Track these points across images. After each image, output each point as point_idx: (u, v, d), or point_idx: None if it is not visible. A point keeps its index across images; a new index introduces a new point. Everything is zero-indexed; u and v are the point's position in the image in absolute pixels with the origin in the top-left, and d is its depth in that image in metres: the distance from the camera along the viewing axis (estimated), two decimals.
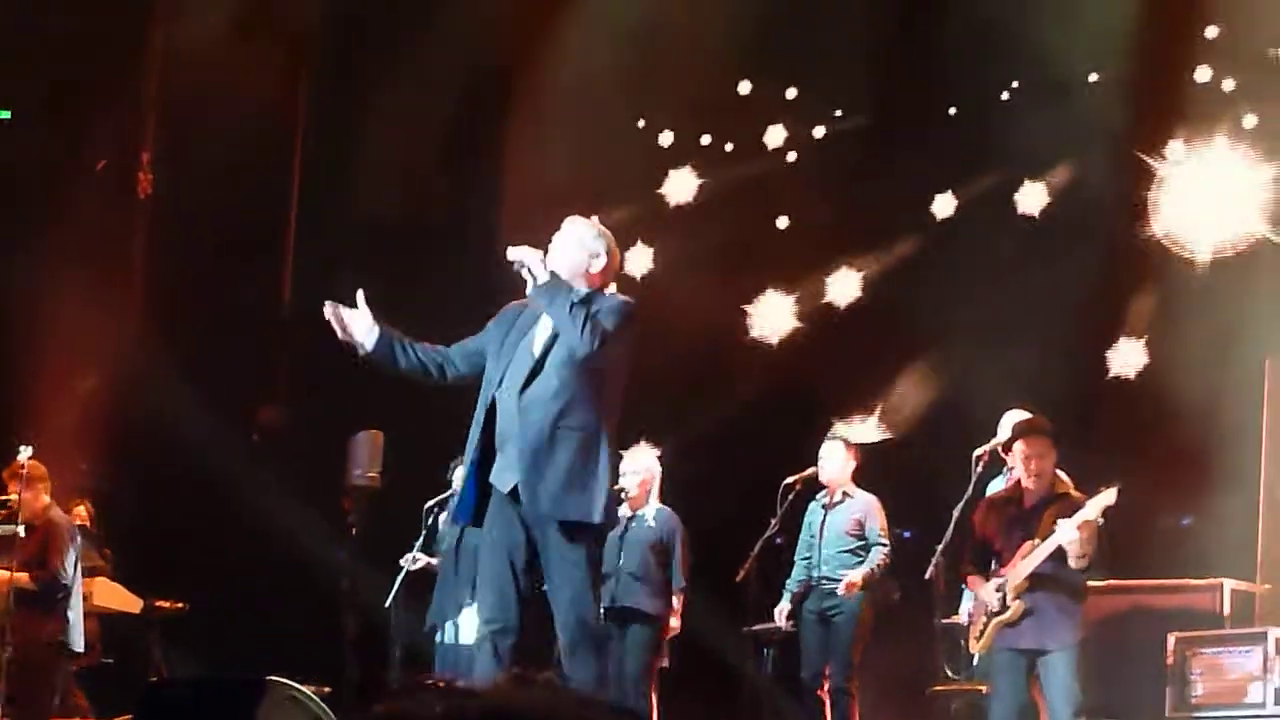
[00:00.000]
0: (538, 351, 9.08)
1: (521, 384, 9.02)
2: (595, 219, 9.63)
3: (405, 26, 17.22)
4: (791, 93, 17.88)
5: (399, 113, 17.38)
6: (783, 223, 17.65)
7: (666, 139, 18.27)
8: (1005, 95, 16.67)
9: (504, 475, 9.00)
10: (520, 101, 17.68)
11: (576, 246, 9.28)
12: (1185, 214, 15.50)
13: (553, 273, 8.93)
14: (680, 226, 17.83)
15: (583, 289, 9.05)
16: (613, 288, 9.46)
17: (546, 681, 2.16)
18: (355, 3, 17.93)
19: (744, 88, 17.99)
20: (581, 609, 8.93)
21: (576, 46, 16.74)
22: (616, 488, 10.49)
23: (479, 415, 9.15)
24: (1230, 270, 15.12)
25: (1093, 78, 16.29)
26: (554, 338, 9.03)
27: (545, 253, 9.06)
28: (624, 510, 13.48)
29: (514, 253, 8.97)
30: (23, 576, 13.47)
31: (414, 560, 14.33)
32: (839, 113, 17.76)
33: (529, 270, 8.89)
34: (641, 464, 13.89)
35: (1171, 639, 12.44)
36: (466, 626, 14.02)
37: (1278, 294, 13.88)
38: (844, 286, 17.49)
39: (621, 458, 10.54)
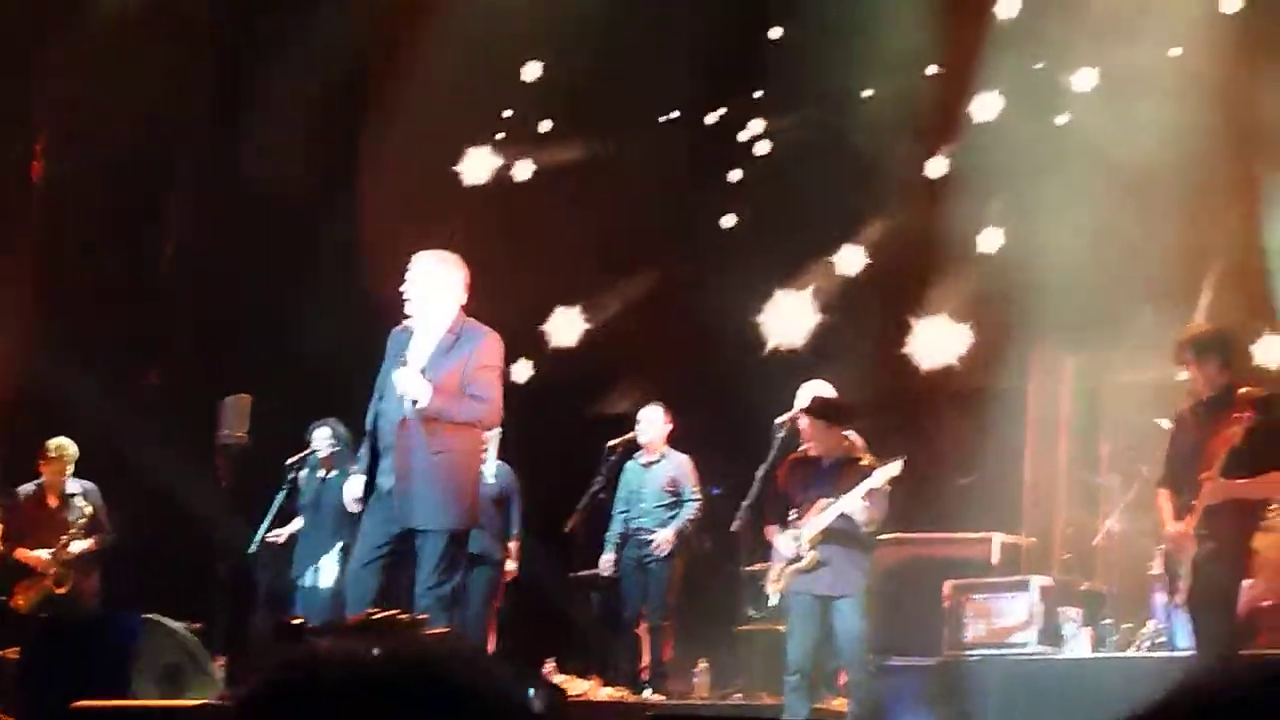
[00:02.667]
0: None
1: (397, 420, 9.74)
2: (447, 253, 10.16)
3: (289, 13, 17.01)
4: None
5: (278, 96, 17.24)
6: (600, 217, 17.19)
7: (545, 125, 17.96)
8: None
9: (384, 478, 9.80)
10: (387, 92, 17.54)
11: (445, 289, 9.94)
12: None
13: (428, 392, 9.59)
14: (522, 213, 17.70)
15: (438, 326, 9.83)
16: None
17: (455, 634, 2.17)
18: None
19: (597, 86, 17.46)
20: (444, 591, 9.77)
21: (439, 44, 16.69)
22: None
23: (367, 425, 9.98)
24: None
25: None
26: (425, 369, 9.73)
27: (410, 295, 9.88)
28: None
29: (407, 390, 9.64)
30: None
31: (277, 535, 14.56)
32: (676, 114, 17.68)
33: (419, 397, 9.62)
34: None
35: (948, 586, 12.65)
36: (326, 573, 14.28)
37: (1043, 282, 14.13)
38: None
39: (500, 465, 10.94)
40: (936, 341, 15.24)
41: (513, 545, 13.98)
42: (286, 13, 16.96)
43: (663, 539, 14.12)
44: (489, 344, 9.95)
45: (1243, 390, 9.74)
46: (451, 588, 9.88)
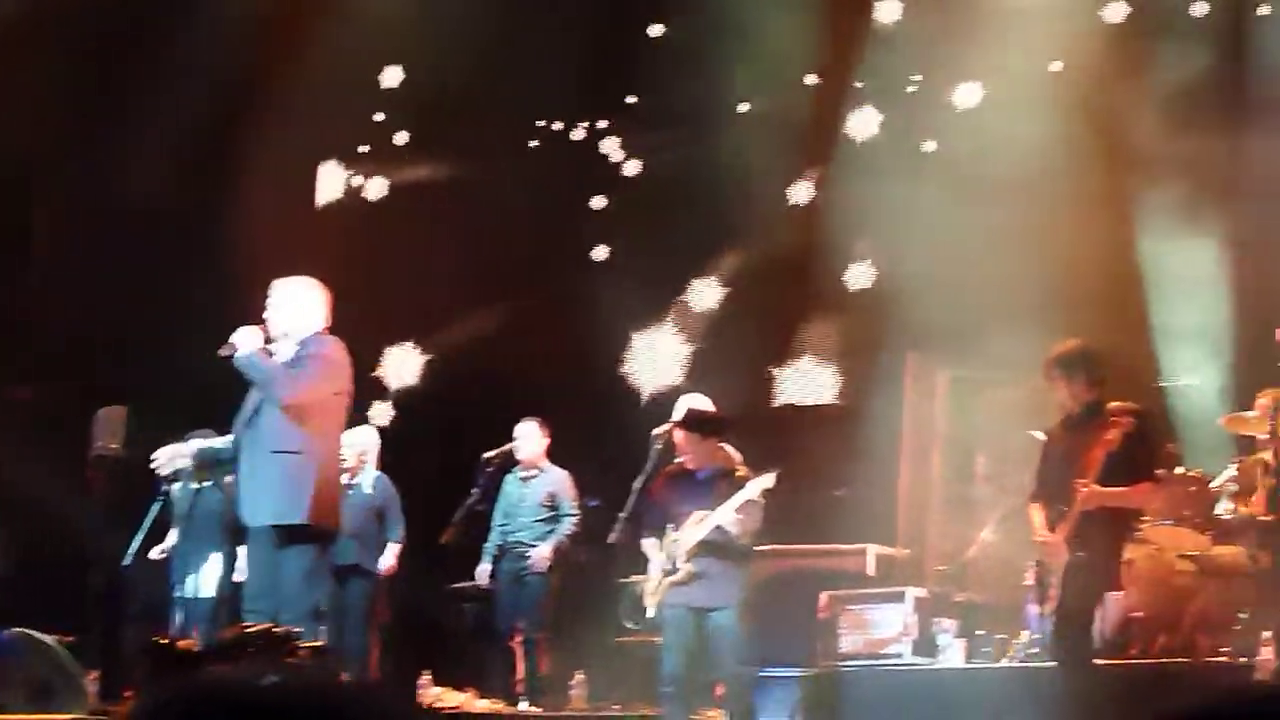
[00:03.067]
0: (257, 395, 10.24)
1: (246, 422, 10.25)
2: (308, 278, 10.51)
3: (162, 20, 16.84)
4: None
5: (149, 110, 17.03)
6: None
7: (402, 138, 17.83)
8: None
9: (238, 493, 10.36)
10: (258, 103, 17.40)
11: (306, 314, 10.34)
12: None
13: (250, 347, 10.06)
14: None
15: (288, 349, 10.21)
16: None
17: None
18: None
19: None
20: (308, 600, 10.09)
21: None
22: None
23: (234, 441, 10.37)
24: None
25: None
26: None
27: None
28: (344, 478, 13.63)
29: (234, 339, 10.09)
30: None
31: (160, 551, 14.36)
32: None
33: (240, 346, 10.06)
34: (359, 439, 13.95)
35: (823, 597, 12.64)
36: (206, 582, 14.09)
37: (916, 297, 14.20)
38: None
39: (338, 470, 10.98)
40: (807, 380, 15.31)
41: (393, 547, 14.01)
42: (159, 27, 16.70)
43: (539, 556, 14.07)
44: (326, 342, 10.33)
45: (1113, 405, 9.83)
46: (317, 591, 10.20)
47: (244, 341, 10.09)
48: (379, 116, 17.65)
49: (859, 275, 15.34)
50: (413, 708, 10.26)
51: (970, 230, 13.86)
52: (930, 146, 15.21)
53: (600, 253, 17.26)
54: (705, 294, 16.47)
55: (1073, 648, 9.76)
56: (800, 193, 16.11)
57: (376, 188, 17.85)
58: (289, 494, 10.07)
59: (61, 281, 16.92)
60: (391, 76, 17.62)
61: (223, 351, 10.08)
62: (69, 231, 17.05)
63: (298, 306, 10.31)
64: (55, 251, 17.17)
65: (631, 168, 17.24)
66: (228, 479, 11.24)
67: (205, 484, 14.00)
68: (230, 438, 10.55)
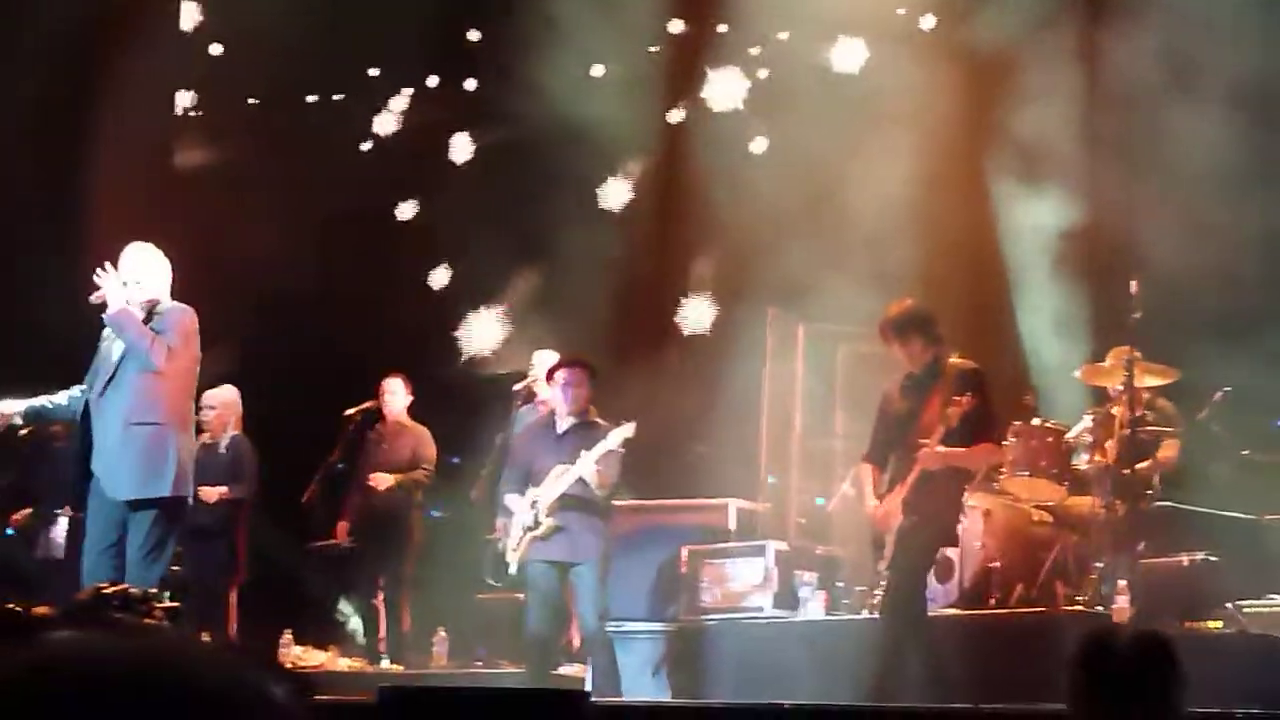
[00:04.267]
0: (115, 360, 10.00)
1: (101, 389, 10.00)
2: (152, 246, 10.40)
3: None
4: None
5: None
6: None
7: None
8: None
9: (96, 464, 9.97)
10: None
11: (153, 273, 10.20)
12: None
13: (125, 305, 9.91)
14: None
15: (155, 310, 10.07)
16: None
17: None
18: None
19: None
20: (158, 568, 9.87)
21: None
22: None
23: (80, 414, 10.16)
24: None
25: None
26: (126, 351, 9.97)
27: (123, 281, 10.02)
28: (205, 437, 13.43)
29: (99, 280, 9.90)
30: None
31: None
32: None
33: (107, 299, 9.88)
34: (219, 398, 13.71)
35: (684, 551, 12.52)
36: (59, 545, 13.78)
37: (776, 251, 14.05)
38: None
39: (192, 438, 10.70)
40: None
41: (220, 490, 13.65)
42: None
43: (377, 480, 13.84)
44: (180, 314, 10.18)
45: (953, 361, 9.74)
46: (166, 559, 10.03)
47: (115, 299, 9.93)
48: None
49: (731, 227, 15.15)
50: (273, 668, 9.99)
51: (829, 182, 13.81)
52: (791, 101, 15.04)
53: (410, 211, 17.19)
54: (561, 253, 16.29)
55: (903, 604, 9.66)
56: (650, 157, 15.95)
57: (224, 150, 17.43)
58: (150, 467, 9.95)
59: None
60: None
61: (95, 298, 9.93)
62: None
63: (155, 273, 10.24)
64: None
65: (473, 139, 17.15)
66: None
67: (59, 445, 13.65)
68: (65, 395, 10.41)
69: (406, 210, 17.14)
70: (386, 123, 17.36)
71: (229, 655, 1.60)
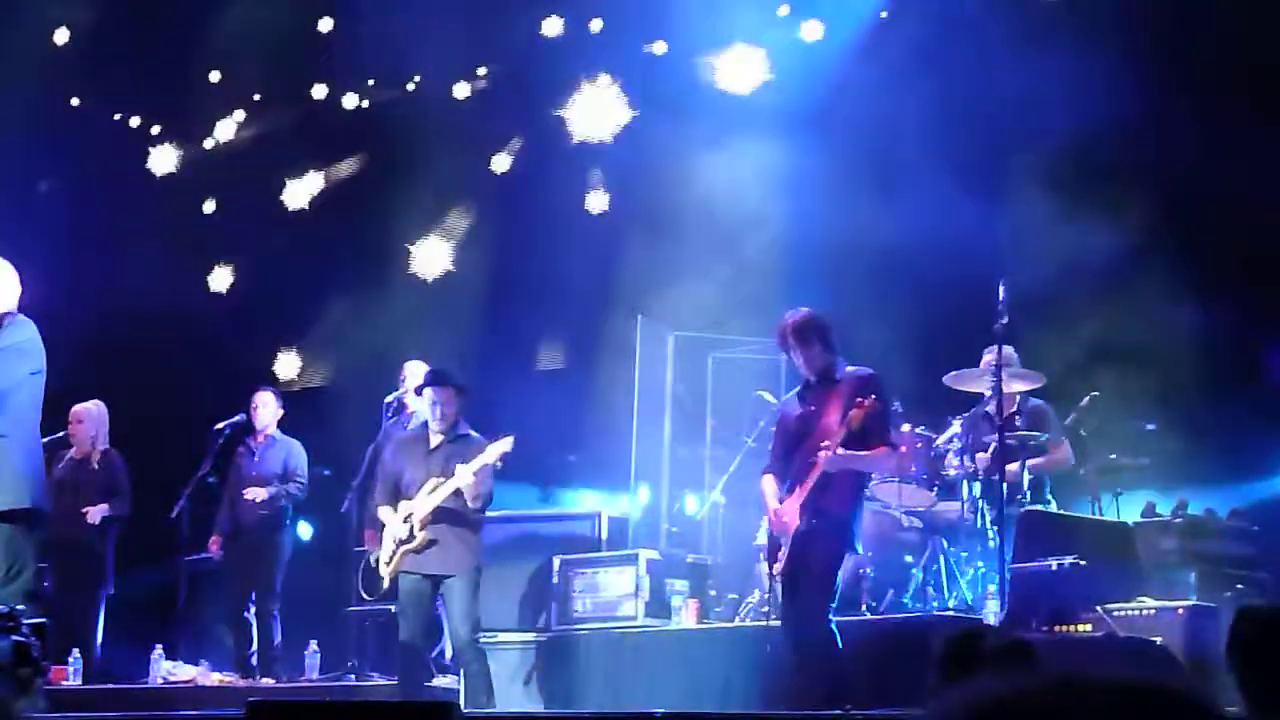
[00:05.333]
0: None
1: None
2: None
3: None
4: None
5: None
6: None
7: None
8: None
9: None
10: None
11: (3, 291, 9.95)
12: None
13: None
14: None
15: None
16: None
17: None
18: None
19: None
20: (16, 585, 9.55)
21: None
22: None
23: None
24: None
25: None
26: None
27: None
28: (73, 452, 13.49)
29: None
30: None
31: None
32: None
33: None
34: (87, 413, 13.65)
35: (556, 561, 12.41)
36: None
37: (644, 261, 13.96)
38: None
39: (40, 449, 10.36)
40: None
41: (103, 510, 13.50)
42: None
43: (254, 493, 13.65)
44: (25, 323, 9.91)
45: (850, 369, 9.56)
46: (26, 575, 9.77)
47: None
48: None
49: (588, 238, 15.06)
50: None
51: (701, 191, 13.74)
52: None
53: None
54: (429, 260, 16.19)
55: (813, 609, 9.34)
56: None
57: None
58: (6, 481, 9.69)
59: None
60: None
61: None
62: None
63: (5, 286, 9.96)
64: None
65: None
66: None
67: None
68: None
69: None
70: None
71: None
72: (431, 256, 16.35)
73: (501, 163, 16.17)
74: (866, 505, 10.99)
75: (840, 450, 9.19)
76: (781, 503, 9.43)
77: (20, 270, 9.96)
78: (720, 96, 14.62)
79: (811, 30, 14.75)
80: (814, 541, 9.27)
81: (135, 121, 17.69)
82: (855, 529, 9.55)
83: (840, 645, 9.22)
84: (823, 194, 13.56)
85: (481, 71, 16.40)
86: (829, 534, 9.31)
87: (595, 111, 15.40)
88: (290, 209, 17.06)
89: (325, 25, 16.74)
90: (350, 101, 16.86)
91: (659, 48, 15.34)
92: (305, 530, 14.57)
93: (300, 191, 17.09)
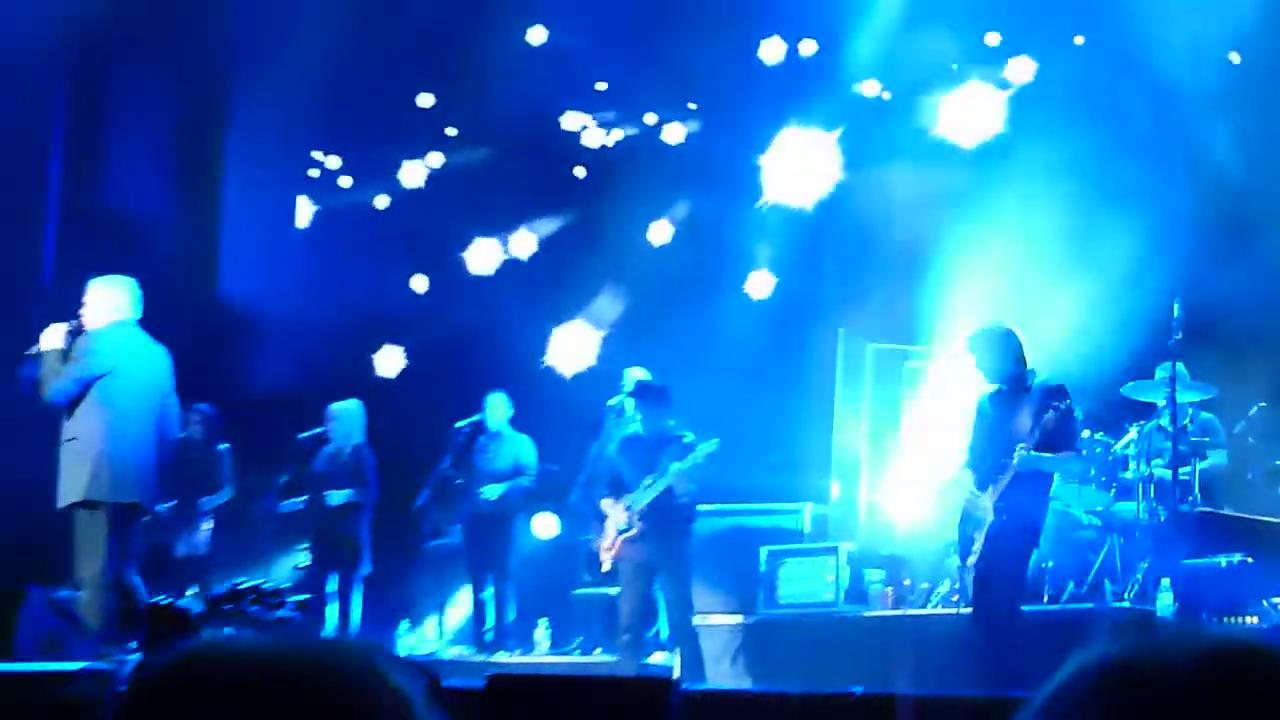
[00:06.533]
0: None
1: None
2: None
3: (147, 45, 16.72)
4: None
5: (138, 118, 16.96)
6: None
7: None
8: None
9: None
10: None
11: (97, 306, 10.28)
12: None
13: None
14: None
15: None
16: None
17: None
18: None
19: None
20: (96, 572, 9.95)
21: None
22: None
23: None
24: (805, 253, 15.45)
25: None
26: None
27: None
28: (330, 446, 13.92)
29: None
30: None
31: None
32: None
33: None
34: (343, 410, 14.11)
35: (763, 551, 12.67)
36: (199, 541, 14.11)
37: (845, 278, 14.23)
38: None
39: None
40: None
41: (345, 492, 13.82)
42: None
43: (491, 492, 13.99)
44: (87, 338, 10.19)
45: (1039, 378, 9.80)
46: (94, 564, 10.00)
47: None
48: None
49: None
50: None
51: (901, 216, 13.98)
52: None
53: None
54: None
55: (1001, 599, 9.69)
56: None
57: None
58: (76, 476, 10.11)
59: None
60: None
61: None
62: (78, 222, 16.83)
63: (96, 299, 10.37)
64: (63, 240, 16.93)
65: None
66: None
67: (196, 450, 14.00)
68: None
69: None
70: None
71: (354, 648, 1.62)
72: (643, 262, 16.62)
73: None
74: (1049, 505, 11.34)
75: (1033, 452, 9.50)
76: (976, 499, 9.80)
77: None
78: (938, 143, 14.63)
79: (1020, 68, 14.74)
80: (1005, 536, 9.57)
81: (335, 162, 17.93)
82: (1042, 525, 9.90)
83: (1024, 632, 9.54)
84: (1008, 213, 13.78)
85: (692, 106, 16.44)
86: (1019, 530, 9.61)
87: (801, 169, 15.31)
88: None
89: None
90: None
91: (869, 88, 15.31)
92: (546, 523, 14.92)
93: (529, 237, 17.39)
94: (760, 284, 15.78)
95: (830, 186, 15.07)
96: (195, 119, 17.09)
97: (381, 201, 17.74)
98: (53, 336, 10.13)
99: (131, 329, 10.33)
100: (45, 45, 15.58)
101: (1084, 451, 11.13)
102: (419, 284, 17.25)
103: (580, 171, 17.18)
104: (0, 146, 15.28)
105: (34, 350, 10.19)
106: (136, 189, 16.58)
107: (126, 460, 10.09)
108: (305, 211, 17.63)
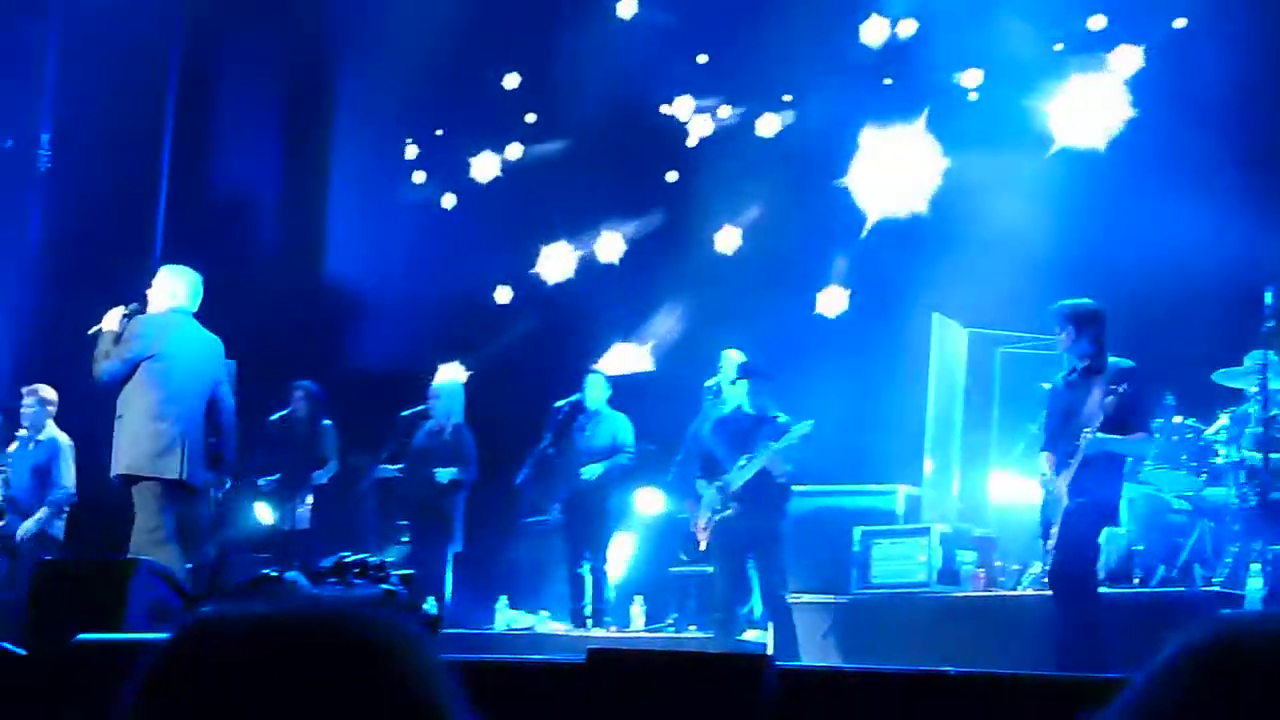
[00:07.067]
0: None
1: None
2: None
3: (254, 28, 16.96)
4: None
5: (246, 101, 17.23)
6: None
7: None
8: None
9: None
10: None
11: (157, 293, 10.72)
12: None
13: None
14: None
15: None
16: None
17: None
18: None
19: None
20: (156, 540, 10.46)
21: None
22: None
23: None
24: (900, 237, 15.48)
25: None
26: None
27: None
28: (432, 424, 14.18)
29: None
30: None
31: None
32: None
33: None
34: (444, 389, 14.33)
35: (857, 531, 12.71)
36: (302, 515, 14.41)
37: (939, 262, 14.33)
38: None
39: None
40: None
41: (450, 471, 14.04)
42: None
43: (591, 472, 14.09)
44: (137, 322, 10.65)
45: (1113, 360, 9.79)
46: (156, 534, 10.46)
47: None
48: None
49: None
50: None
51: (992, 203, 13.97)
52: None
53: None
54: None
55: (1073, 580, 9.74)
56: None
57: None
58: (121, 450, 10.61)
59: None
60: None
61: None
62: (188, 211, 17.11)
63: (156, 286, 10.81)
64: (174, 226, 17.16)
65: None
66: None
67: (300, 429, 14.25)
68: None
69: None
70: None
71: (351, 605, 1.63)
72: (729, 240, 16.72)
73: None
74: (1140, 489, 11.40)
75: (1099, 434, 9.52)
76: (1053, 482, 9.78)
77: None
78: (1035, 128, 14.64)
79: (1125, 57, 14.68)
80: (1079, 519, 9.59)
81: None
82: (1116, 505, 9.89)
83: (1101, 613, 9.58)
84: (1106, 201, 13.80)
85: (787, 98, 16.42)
86: (1092, 512, 9.63)
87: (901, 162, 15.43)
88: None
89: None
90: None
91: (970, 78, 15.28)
92: (651, 499, 14.97)
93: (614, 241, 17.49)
94: (853, 270, 15.85)
95: (936, 178, 15.15)
96: (302, 100, 17.34)
97: (485, 176, 17.85)
98: (111, 318, 10.62)
99: (184, 317, 10.75)
100: (156, 33, 15.89)
101: (1156, 434, 11.11)
102: (522, 264, 17.38)
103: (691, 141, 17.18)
104: (114, 130, 15.61)
105: (95, 329, 10.65)
106: (245, 171, 16.85)
107: (169, 439, 10.53)
108: (409, 190, 17.78)
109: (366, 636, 1.61)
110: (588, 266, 17.30)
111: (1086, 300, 9.95)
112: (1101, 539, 9.96)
